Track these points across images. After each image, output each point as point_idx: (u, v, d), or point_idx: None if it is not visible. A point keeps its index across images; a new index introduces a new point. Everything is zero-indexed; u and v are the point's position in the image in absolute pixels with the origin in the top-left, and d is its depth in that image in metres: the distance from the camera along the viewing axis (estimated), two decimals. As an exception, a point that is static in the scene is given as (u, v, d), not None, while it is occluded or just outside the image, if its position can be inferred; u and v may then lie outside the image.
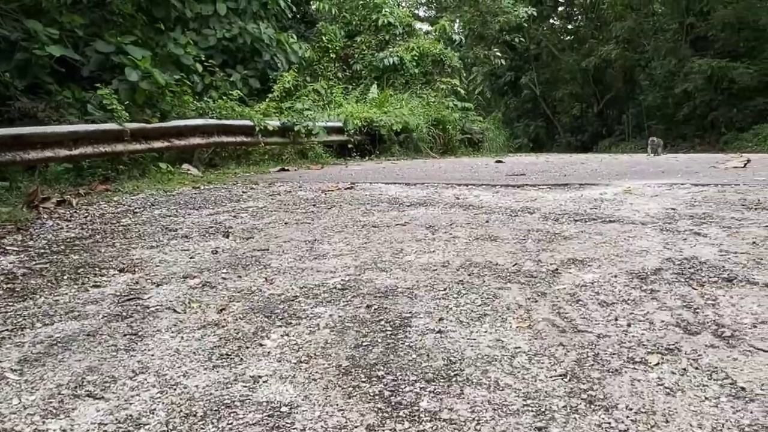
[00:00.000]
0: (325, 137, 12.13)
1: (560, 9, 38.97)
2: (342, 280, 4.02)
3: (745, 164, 9.32)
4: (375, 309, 3.52)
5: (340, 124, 13.02)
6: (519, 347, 2.99)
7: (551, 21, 38.70)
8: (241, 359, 2.98)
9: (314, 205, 6.55)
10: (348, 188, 7.47)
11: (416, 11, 34.66)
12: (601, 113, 37.89)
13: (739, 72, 26.74)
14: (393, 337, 3.15)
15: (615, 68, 34.89)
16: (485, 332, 3.17)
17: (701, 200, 6.03)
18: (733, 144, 26.58)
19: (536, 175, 8.98)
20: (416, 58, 17.84)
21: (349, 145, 13.30)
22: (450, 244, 4.76)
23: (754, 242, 4.46)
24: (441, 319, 3.35)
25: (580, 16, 39.28)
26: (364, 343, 3.08)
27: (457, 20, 26.43)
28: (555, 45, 37.62)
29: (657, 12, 33.96)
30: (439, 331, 3.18)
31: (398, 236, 5.06)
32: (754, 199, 5.93)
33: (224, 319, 3.48)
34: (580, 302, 3.50)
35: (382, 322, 3.32)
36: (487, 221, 5.43)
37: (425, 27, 25.45)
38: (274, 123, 11.33)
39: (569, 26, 40.07)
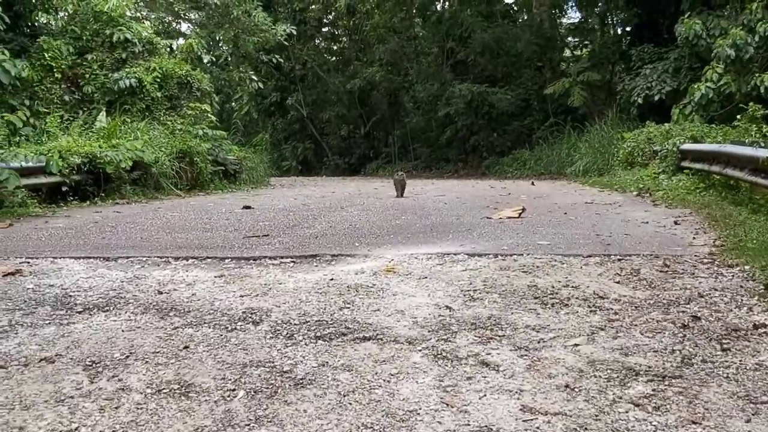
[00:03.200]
0: (17, 182, 9.38)
1: (324, 30, 38.06)
2: None
3: (520, 214, 8.29)
4: None
5: (41, 164, 10.44)
6: None
7: (316, 41, 37.64)
8: None
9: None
10: (8, 274, 5.25)
11: (178, 25, 32.06)
12: (368, 135, 37.41)
13: (498, 97, 27.14)
14: None
15: (380, 91, 34.51)
16: None
17: (482, 287, 4.62)
18: (495, 168, 26.90)
19: (283, 234, 7.29)
20: (158, 79, 15.58)
21: (64, 188, 10.81)
22: (109, 411, 2.90)
23: (567, 386, 3.03)
24: None
25: (344, 38, 38.65)
26: None
27: (220, 38, 24.38)
28: (320, 66, 36.63)
29: (419, 35, 34.07)
30: None
31: (31, 390, 3.10)
32: (546, 285, 4.62)
33: None
34: None
35: None
36: (187, 346, 3.60)
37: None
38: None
39: (334, 47, 39.30)
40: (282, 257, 5.79)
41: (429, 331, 3.76)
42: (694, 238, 6.49)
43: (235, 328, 3.88)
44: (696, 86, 15.21)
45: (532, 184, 17.38)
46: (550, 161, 23.88)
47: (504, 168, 26.30)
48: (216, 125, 16.47)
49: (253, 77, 22.72)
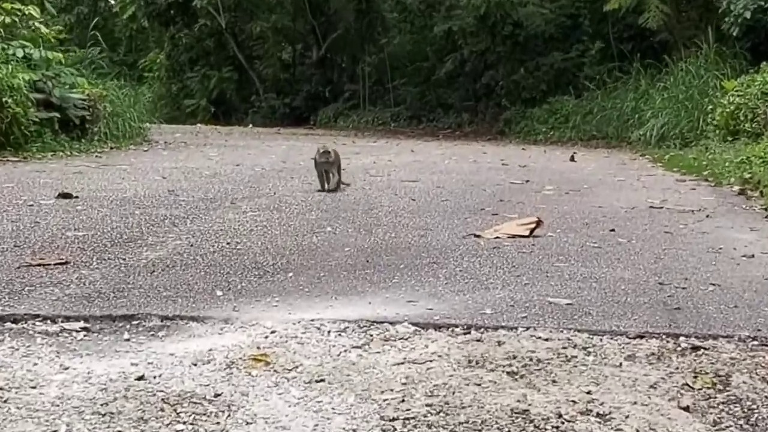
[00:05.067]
0: None
1: None
2: None
3: (532, 231, 7.41)
4: None
5: None
6: None
7: None
8: None
9: None
10: None
11: None
12: (323, 62, 36.69)
13: (528, 11, 27.10)
14: None
15: (345, -10, 34.00)
16: None
17: (423, 413, 3.65)
18: (520, 125, 26.42)
19: (97, 260, 6.34)
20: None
21: None
22: None
23: None
24: None
25: None
26: None
27: None
28: (250, -52, 35.87)
29: None
30: None
31: None
32: (546, 413, 3.65)
33: None
34: None
35: None
36: None
37: None
38: None
39: None
40: (67, 318, 4.80)
41: None
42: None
43: None
44: None
45: (573, 158, 16.64)
46: (606, 118, 23.41)
47: (534, 125, 25.82)
48: (52, 42, 15.51)
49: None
